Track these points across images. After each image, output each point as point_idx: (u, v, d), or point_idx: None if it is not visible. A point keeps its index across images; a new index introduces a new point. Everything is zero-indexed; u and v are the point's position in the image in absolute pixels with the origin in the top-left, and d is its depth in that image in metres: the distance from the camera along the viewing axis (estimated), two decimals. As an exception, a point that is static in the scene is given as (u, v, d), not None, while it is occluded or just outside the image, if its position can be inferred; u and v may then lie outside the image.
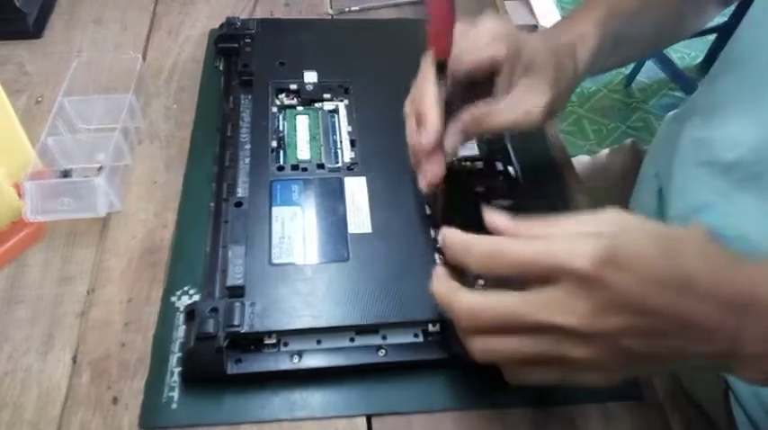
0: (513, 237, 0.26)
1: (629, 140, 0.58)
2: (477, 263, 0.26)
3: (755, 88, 0.37)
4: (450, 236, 0.27)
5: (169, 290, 0.36)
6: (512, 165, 0.42)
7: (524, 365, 0.25)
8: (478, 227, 0.39)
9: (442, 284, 0.26)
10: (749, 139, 0.37)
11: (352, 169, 0.40)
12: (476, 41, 0.33)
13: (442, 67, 0.34)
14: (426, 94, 0.34)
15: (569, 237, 0.24)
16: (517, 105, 0.34)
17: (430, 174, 0.34)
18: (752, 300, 0.23)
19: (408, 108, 0.36)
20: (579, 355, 0.23)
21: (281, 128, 0.43)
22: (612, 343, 0.23)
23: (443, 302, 0.26)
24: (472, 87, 0.34)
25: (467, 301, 0.25)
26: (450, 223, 0.38)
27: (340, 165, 0.41)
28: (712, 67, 0.43)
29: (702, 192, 0.40)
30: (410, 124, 0.36)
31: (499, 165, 0.42)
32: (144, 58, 0.50)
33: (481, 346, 0.25)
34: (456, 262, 0.26)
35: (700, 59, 1.54)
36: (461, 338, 0.26)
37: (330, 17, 0.57)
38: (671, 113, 0.50)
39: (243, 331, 0.32)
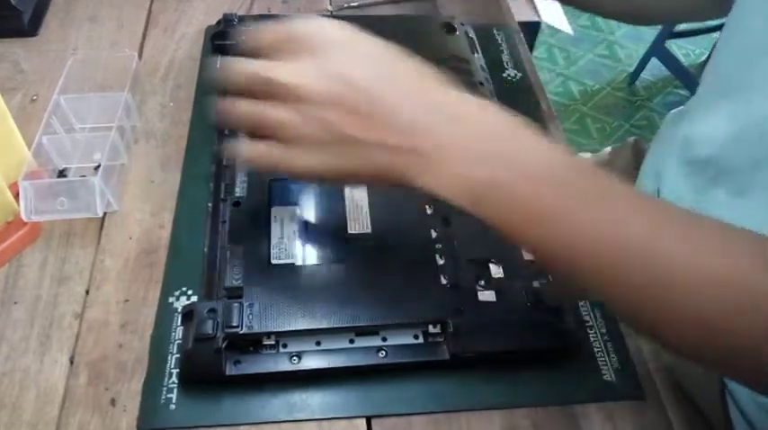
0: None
1: (631, 139, 0.57)
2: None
3: (727, 84, 0.37)
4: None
5: (167, 290, 0.36)
6: None
7: (255, 135, 0.28)
8: (480, 225, 0.39)
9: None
10: (721, 136, 0.37)
11: (351, 168, 0.40)
12: None
13: None
14: None
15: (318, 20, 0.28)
16: None
17: None
18: (462, 111, 0.26)
19: None
20: (290, 119, 0.26)
21: (279, 126, 0.43)
22: (320, 111, 0.26)
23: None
24: None
25: (225, 60, 0.29)
26: (451, 223, 0.38)
27: (339, 163, 0.40)
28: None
29: (685, 190, 0.41)
30: None
31: None
32: (140, 56, 0.50)
33: (228, 105, 0.28)
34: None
35: (704, 57, 1.54)
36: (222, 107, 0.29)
37: (329, 13, 0.56)
38: (672, 111, 0.50)
39: (241, 332, 0.31)
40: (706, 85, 0.41)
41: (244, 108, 0.28)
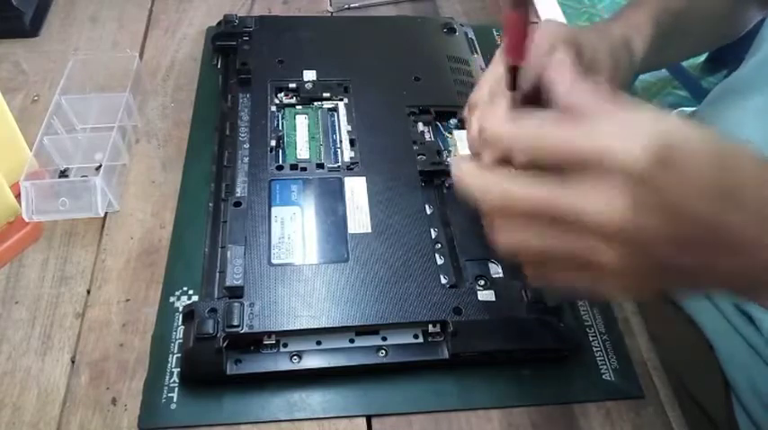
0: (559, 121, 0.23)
1: None
2: (520, 147, 0.23)
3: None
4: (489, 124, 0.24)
5: (168, 290, 0.36)
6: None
7: (547, 264, 0.23)
8: (480, 225, 0.39)
9: (470, 167, 0.24)
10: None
11: (352, 169, 0.40)
12: (536, 51, 0.30)
13: (513, 73, 0.30)
14: (500, 115, 0.27)
15: (622, 123, 0.21)
16: None
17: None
18: None
19: (467, 112, 0.34)
20: (607, 259, 0.21)
21: (280, 127, 0.43)
22: (644, 248, 0.21)
23: (473, 183, 0.23)
24: (537, 94, 0.33)
25: (500, 183, 0.23)
26: (451, 223, 0.39)
27: (339, 164, 0.41)
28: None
29: None
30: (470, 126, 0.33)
31: None
32: (141, 57, 0.50)
33: (507, 233, 0.23)
34: (494, 146, 0.24)
35: (703, 58, 1.54)
36: (487, 226, 0.24)
37: (330, 14, 0.56)
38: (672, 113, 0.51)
39: (242, 331, 0.31)
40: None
41: (539, 238, 0.23)
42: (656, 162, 0.20)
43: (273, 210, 0.37)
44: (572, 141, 0.21)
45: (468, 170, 0.24)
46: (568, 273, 0.23)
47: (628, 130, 0.21)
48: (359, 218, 0.37)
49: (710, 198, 0.21)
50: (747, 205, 0.21)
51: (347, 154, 0.41)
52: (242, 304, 0.32)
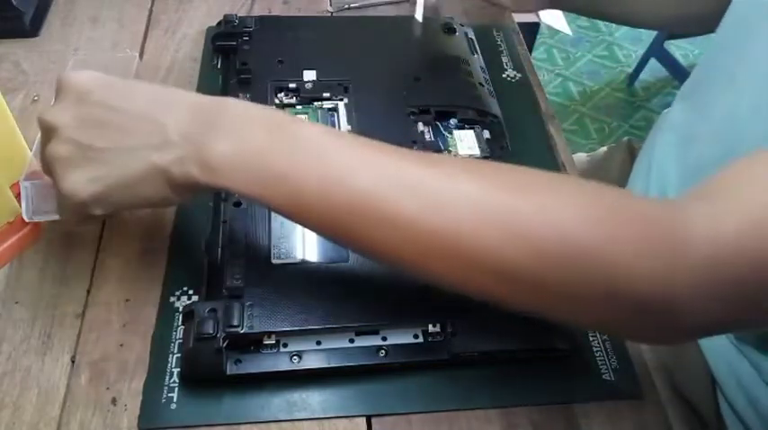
0: None
1: (625, 139, 0.58)
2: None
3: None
4: None
5: (168, 290, 0.36)
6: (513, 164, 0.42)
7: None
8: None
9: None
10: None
11: (352, 168, 0.40)
12: None
13: None
14: None
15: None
16: None
17: None
18: (175, 97, 0.29)
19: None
20: (59, 152, 0.29)
21: (279, 127, 0.43)
22: (69, 135, 0.29)
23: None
24: None
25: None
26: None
27: (339, 164, 0.40)
28: None
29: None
30: None
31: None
32: (141, 57, 0.50)
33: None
34: None
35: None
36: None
37: (330, 14, 0.56)
38: (665, 111, 0.51)
39: (242, 331, 0.31)
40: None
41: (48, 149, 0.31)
42: (78, 77, 0.30)
43: (273, 210, 0.37)
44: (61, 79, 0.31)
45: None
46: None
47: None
48: (359, 218, 0.37)
49: (109, 88, 0.30)
50: (137, 94, 0.30)
51: (347, 154, 0.41)
52: (242, 304, 0.32)
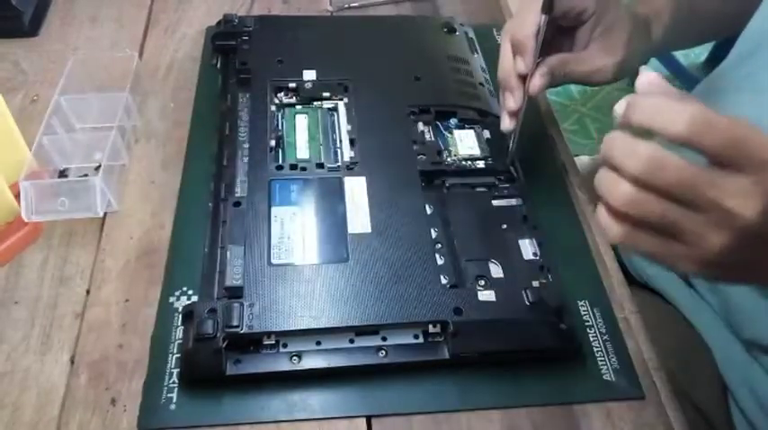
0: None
1: None
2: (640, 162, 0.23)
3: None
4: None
5: (167, 290, 0.36)
6: (513, 163, 0.42)
7: (650, 230, 0.24)
8: (480, 225, 0.39)
9: (620, 132, 0.25)
10: None
11: (352, 168, 0.40)
12: None
13: (547, 4, 0.34)
14: (530, 24, 0.35)
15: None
16: (593, 60, 0.38)
17: (513, 102, 0.37)
18: None
19: (507, 35, 0.38)
20: (713, 244, 0.23)
21: (279, 127, 0.43)
22: (752, 245, 0.23)
23: (621, 145, 0.24)
24: (554, 35, 0.37)
25: (652, 150, 0.23)
26: (451, 223, 0.38)
27: (339, 164, 0.40)
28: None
29: None
30: (506, 50, 0.38)
31: (500, 165, 0.42)
32: (140, 56, 0.50)
33: (636, 197, 0.24)
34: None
35: (704, 57, 1.54)
36: (609, 185, 0.25)
37: (330, 14, 0.56)
38: None
39: (242, 332, 0.31)
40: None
41: (663, 209, 0.24)
42: None
43: (273, 210, 0.37)
44: (739, 138, 0.22)
45: (619, 133, 0.25)
46: (662, 241, 0.24)
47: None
48: (359, 218, 0.37)
49: None
50: None
51: (347, 154, 0.41)
52: (241, 304, 0.32)
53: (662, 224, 0.24)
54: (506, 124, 0.39)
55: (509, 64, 0.37)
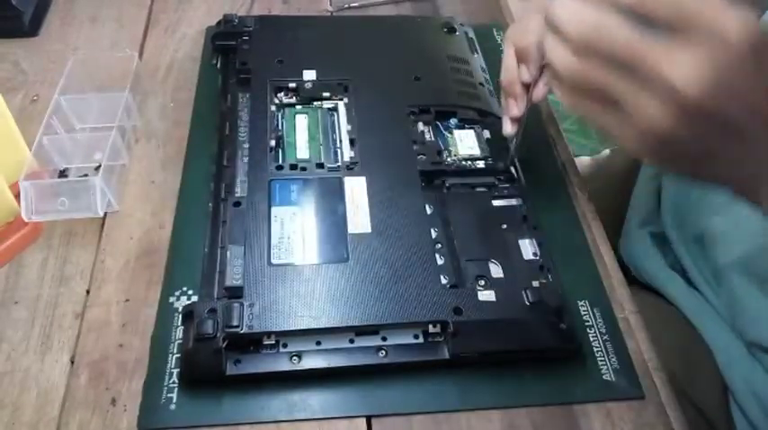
0: None
1: None
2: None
3: None
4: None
5: (167, 290, 0.36)
6: (513, 164, 0.42)
7: (595, 95, 0.23)
8: (480, 225, 0.39)
9: None
10: None
11: (352, 168, 0.40)
12: None
13: None
14: (532, 31, 0.35)
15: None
16: None
17: (517, 109, 0.37)
18: None
19: (510, 41, 0.37)
20: (653, 117, 0.22)
21: (279, 127, 0.43)
22: (697, 124, 0.21)
23: (567, 10, 0.23)
24: None
25: (599, 15, 0.22)
26: (451, 223, 0.38)
27: (339, 164, 0.40)
28: None
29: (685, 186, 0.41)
30: (509, 56, 0.37)
31: (501, 165, 0.42)
32: (140, 56, 0.50)
33: (577, 64, 0.23)
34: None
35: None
36: (552, 49, 0.23)
37: (330, 14, 0.56)
38: None
39: (242, 332, 0.31)
40: None
41: (603, 76, 0.22)
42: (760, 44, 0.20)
43: (273, 210, 0.37)
44: (688, 4, 0.21)
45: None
46: (606, 111, 0.23)
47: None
48: (359, 218, 0.37)
49: None
50: None
51: (347, 154, 0.41)
52: (241, 304, 0.32)
53: (605, 93, 0.23)
54: (508, 129, 0.39)
55: (513, 71, 0.37)
